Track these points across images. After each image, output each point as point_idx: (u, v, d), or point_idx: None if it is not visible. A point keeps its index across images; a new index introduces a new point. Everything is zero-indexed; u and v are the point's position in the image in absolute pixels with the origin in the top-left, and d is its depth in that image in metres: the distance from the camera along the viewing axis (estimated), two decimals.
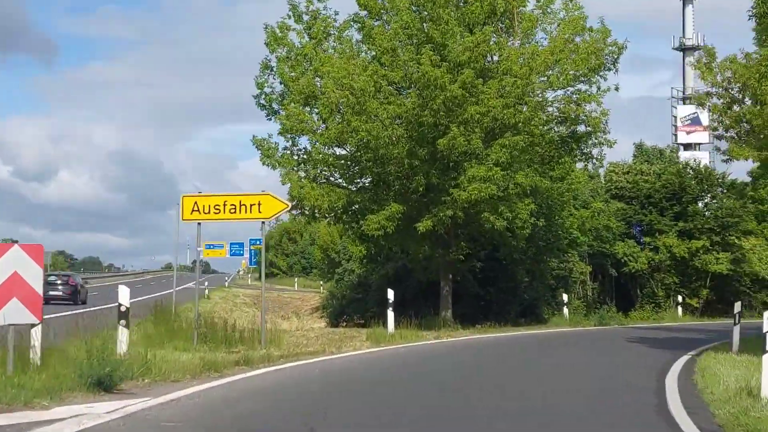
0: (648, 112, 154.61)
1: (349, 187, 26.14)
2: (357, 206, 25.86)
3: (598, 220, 37.16)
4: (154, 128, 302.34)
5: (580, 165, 31.06)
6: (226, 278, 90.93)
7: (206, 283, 76.52)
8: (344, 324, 31.90)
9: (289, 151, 26.62)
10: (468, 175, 23.45)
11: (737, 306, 18.38)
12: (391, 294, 19.92)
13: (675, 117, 76.87)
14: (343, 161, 25.72)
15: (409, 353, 16.14)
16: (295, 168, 26.12)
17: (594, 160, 27.90)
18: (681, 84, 78.14)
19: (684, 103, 75.92)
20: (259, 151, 26.34)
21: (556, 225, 33.28)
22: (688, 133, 75.56)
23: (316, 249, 68.73)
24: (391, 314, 19.67)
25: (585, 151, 28.05)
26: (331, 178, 26.37)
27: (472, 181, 23.26)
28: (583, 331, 28.14)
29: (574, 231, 35.24)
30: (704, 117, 67.71)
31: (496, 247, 30.78)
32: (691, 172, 42.79)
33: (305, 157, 26.44)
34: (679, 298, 39.41)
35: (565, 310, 31.94)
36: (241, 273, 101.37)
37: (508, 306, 31.56)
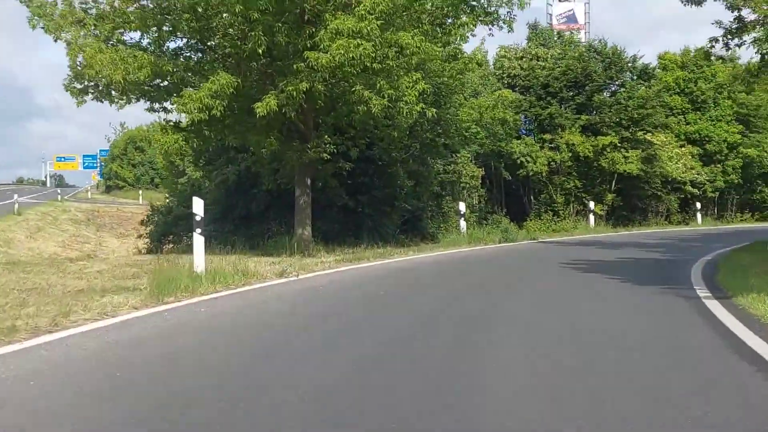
0: (525, 13, 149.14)
1: (158, 51, 18.02)
2: (169, 78, 17.86)
3: (496, 112, 30.34)
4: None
5: (480, 33, 24.21)
6: (59, 192, 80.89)
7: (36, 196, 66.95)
8: (169, 247, 24.06)
9: (69, 4, 18.17)
10: (330, 29, 15.87)
11: None
12: (198, 206, 12.10)
13: (550, 15, 71.08)
14: (146, 12, 17.50)
15: (198, 325, 8.58)
16: (79, 26, 17.76)
17: (501, 23, 20.68)
18: None
19: (560, 0, 70.23)
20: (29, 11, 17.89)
21: (447, 116, 26.22)
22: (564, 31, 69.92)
23: (158, 154, 59.74)
24: (199, 240, 11.99)
25: (489, 10, 20.77)
26: (129, 40, 18.17)
27: (336, 37, 15.71)
28: (492, 251, 21.42)
29: (469, 124, 28.32)
30: (580, 14, 62.13)
31: (370, 143, 23.49)
32: (596, 56, 36.46)
33: (92, 10, 18.09)
34: (591, 205, 33.45)
35: (463, 223, 25.15)
36: (89, 187, 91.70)
37: (386, 220, 24.51)
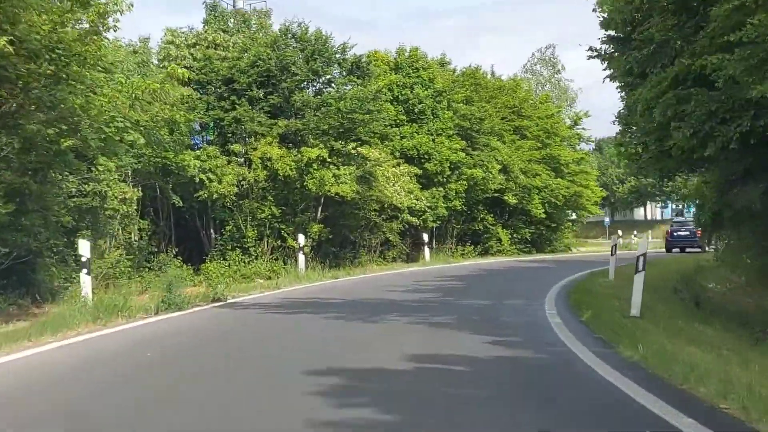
0: None
1: None
2: None
3: (159, 106, 20.44)
4: None
5: None
6: None
7: None
8: None
9: None
10: None
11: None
12: None
13: None
14: None
15: None
16: None
17: None
18: None
19: None
20: None
21: (69, 97, 16.03)
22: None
23: None
24: None
25: None
26: None
27: None
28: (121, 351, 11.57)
29: (116, 117, 18.30)
30: None
31: None
32: (294, 43, 28.07)
33: None
34: (301, 240, 24.66)
35: (85, 279, 14.71)
36: None
37: None
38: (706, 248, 26.57)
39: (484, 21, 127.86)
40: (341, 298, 16.36)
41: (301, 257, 23.78)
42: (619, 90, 18.10)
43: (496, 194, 36.74)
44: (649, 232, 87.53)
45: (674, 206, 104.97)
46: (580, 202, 41.34)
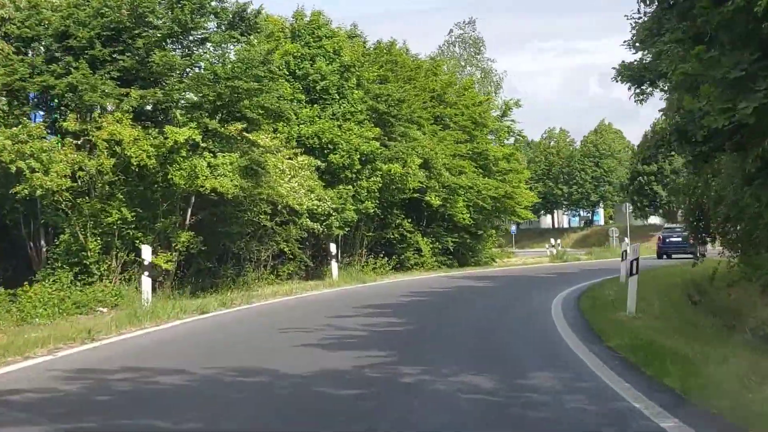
0: None
1: None
2: None
3: None
4: None
5: None
6: None
7: None
8: None
9: None
10: None
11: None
12: None
13: None
14: None
15: None
16: None
17: None
18: None
19: None
20: None
21: None
22: None
23: None
24: None
25: None
26: None
27: None
28: None
29: None
30: None
31: None
32: None
33: None
34: (146, 254, 17.45)
35: None
36: None
37: None
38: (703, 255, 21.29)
39: None
40: (192, 375, 8.99)
41: (146, 282, 16.65)
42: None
43: (416, 195, 30.33)
44: (559, 240, 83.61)
45: (582, 213, 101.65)
46: (510, 206, 35.35)
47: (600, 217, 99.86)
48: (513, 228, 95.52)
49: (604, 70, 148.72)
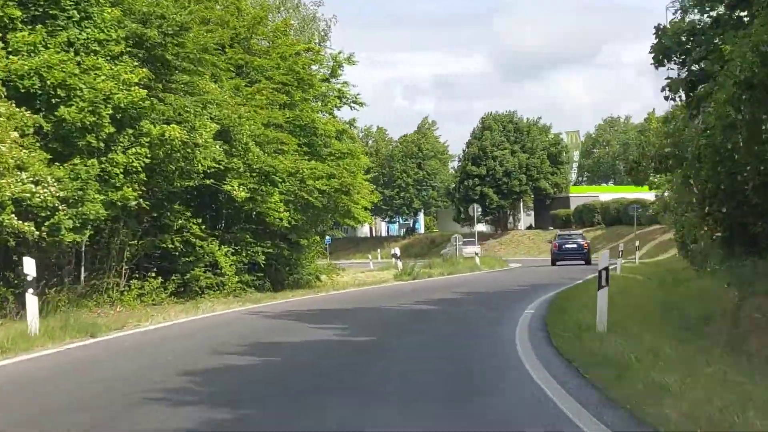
0: None
1: None
2: None
3: None
4: None
5: None
6: None
7: None
8: None
9: None
10: None
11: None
12: None
13: None
14: None
15: None
16: None
17: None
18: None
19: None
20: None
21: None
22: None
23: None
24: None
25: None
26: None
27: None
28: None
29: None
30: None
31: None
32: None
33: None
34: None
35: None
36: None
37: None
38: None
39: None
40: None
41: None
42: None
43: (209, 181, 20.01)
44: (379, 250, 75.04)
45: (402, 220, 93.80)
46: (345, 204, 25.50)
47: (421, 224, 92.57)
48: (327, 237, 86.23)
49: (409, 84, 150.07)
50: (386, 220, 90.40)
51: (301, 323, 14.46)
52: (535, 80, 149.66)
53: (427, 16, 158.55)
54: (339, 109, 26.76)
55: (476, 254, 41.11)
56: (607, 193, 74.89)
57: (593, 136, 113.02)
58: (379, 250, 73.85)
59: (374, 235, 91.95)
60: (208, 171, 19.66)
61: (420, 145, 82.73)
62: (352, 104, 26.43)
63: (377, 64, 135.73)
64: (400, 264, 30.86)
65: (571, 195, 74.08)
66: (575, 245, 40.34)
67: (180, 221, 20.36)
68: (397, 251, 32.07)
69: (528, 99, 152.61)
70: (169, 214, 20.36)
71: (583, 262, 38.31)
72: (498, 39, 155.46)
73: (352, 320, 15.02)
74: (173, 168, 18.78)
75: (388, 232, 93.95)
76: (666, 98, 18.55)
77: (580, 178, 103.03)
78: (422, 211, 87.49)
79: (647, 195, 70.18)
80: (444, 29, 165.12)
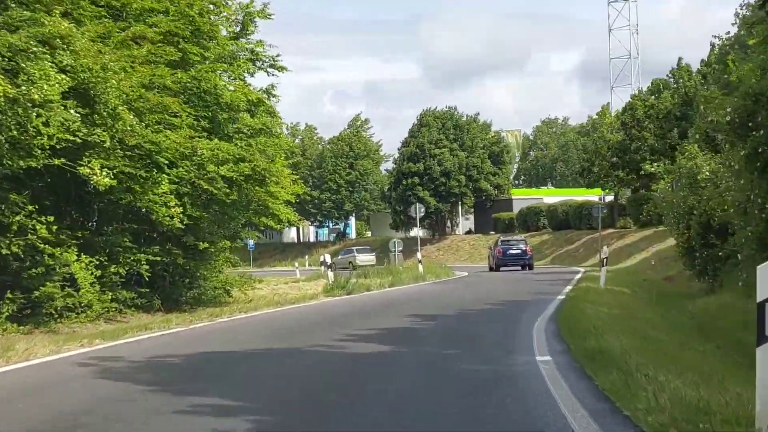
0: None
1: None
2: None
3: None
4: None
5: None
6: None
7: None
8: None
9: None
10: None
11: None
12: None
13: None
14: None
15: None
16: None
17: None
18: None
19: None
20: None
21: None
22: None
23: None
24: None
25: None
26: None
27: None
28: None
29: None
30: None
31: None
32: None
33: None
34: None
35: None
36: None
37: None
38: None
39: None
40: None
41: None
42: None
43: (59, 161, 14.15)
44: (307, 257, 69.21)
45: (332, 225, 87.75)
46: (262, 199, 19.67)
47: (352, 229, 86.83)
48: (251, 242, 79.63)
49: (339, 89, 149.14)
50: (315, 224, 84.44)
51: (145, 398, 8.17)
52: (465, 87, 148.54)
53: (356, 23, 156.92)
54: (253, 75, 20.86)
55: (419, 262, 35.65)
56: (551, 196, 70.44)
57: (530, 138, 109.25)
58: (307, 257, 67.99)
59: (302, 240, 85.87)
60: (58, 147, 13.83)
61: (352, 144, 77.17)
62: (270, 69, 20.63)
63: (306, 68, 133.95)
64: (331, 275, 25.17)
65: (514, 197, 69.25)
66: (519, 251, 40.63)
67: (16, 218, 14.42)
68: (328, 258, 26.46)
69: (458, 106, 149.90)
70: (2, 207, 14.43)
71: (526, 268, 39.56)
72: (427, 46, 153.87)
73: (246, 387, 8.84)
74: (1, 139, 12.92)
75: (317, 238, 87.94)
76: None
77: (516, 182, 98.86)
78: (354, 214, 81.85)
79: (595, 197, 66.54)
80: (374, 35, 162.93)
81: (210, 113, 18.49)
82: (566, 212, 58.15)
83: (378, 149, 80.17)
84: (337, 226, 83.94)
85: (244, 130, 19.08)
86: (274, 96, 20.67)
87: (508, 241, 43.32)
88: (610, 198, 58.69)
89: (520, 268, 39.41)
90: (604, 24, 75.55)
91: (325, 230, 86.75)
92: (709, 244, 18.99)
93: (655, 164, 24.07)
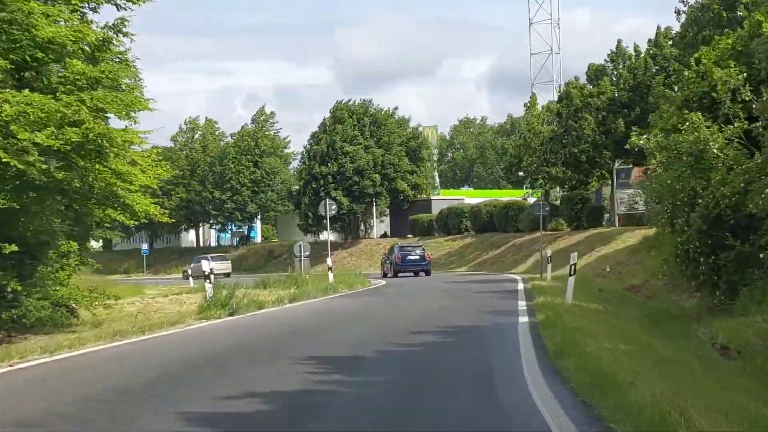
0: None
1: None
2: None
3: None
4: None
5: None
6: None
7: None
8: None
9: None
10: None
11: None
12: None
13: None
14: None
15: None
16: None
17: None
18: None
19: None
20: None
21: None
22: None
23: None
24: None
25: None
26: None
27: None
28: None
29: None
30: None
31: None
32: None
33: None
34: None
35: None
36: None
37: None
38: None
39: None
40: None
41: None
42: None
43: None
44: (204, 262, 63.05)
45: (235, 228, 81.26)
46: (108, 180, 13.95)
47: (257, 232, 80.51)
48: (144, 247, 72.79)
49: (251, 92, 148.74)
50: (217, 227, 77.89)
51: None
52: (377, 92, 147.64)
53: (270, 25, 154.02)
54: (96, 11, 14.97)
55: (329, 269, 30.14)
56: (473, 198, 65.86)
57: (447, 138, 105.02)
58: (204, 262, 62.02)
59: (202, 244, 79.19)
60: None
61: (257, 140, 71.17)
62: (119, 1, 14.82)
63: (215, 72, 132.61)
64: (209, 288, 18.95)
65: (433, 198, 64.36)
66: (417, 257, 41.90)
67: None
68: (208, 265, 20.70)
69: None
70: None
71: (423, 274, 40.95)
72: (340, 51, 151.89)
73: None
74: None
75: (218, 242, 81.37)
76: None
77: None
78: (259, 216, 75.68)
79: (518, 199, 62.40)
80: (286, 39, 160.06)
81: (22, 56, 12.66)
82: (491, 213, 53.55)
83: (286, 145, 74.40)
84: (240, 230, 77.65)
85: (74, 81, 13.24)
86: (126, 35, 14.82)
87: (406, 247, 45.17)
88: (533, 200, 54.45)
89: (414, 274, 40.73)
90: (519, 30, 71.98)
91: (228, 234, 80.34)
92: (721, 245, 14.20)
93: (644, 137, 19.20)
